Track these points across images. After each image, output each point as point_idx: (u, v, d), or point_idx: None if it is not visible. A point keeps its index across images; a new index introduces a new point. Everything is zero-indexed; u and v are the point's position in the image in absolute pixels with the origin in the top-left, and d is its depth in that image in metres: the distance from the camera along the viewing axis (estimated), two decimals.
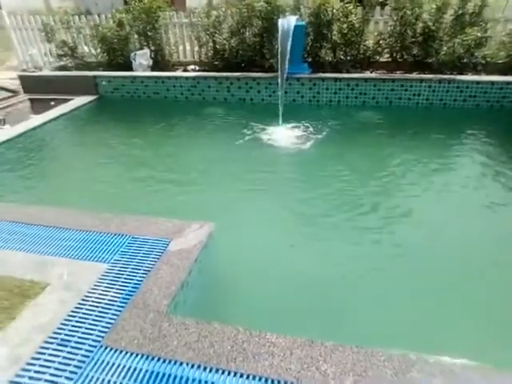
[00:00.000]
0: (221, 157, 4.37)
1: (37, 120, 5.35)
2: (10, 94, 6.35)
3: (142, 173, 4.04)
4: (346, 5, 5.86)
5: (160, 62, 6.93)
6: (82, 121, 5.61)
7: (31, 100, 6.49)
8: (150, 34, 6.80)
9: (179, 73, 6.37)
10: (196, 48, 7.08)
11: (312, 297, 2.55)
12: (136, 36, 7.04)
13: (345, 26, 5.96)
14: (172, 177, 3.96)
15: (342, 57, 6.26)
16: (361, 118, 5.33)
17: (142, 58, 6.50)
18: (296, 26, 4.90)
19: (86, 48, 7.57)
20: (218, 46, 6.56)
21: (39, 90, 6.54)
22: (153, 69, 6.72)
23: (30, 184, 3.93)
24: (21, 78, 6.76)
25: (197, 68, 6.91)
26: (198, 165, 4.22)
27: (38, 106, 6.45)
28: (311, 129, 4.89)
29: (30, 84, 6.63)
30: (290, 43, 4.81)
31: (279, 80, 5.14)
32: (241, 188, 3.74)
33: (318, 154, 4.30)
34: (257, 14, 6.05)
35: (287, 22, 4.80)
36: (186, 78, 5.97)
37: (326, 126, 4.93)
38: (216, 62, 6.52)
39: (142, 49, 6.89)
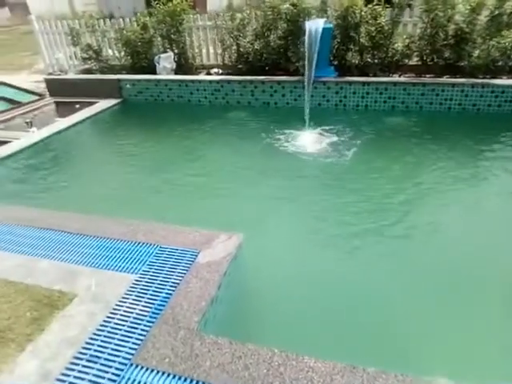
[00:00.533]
0: (245, 163, 4.30)
1: (62, 123, 5.41)
2: (36, 97, 6.46)
3: (166, 178, 4.01)
4: (375, 7, 5.71)
5: (183, 65, 6.92)
6: (107, 124, 5.64)
7: (57, 103, 6.59)
8: (173, 36, 6.81)
9: (203, 76, 6.35)
10: (219, 51, 7.05)
11: (346, 312, 2.44)
12: (160, 39, 7.06)
13: (373, 28, 5.81)
14: (195, 183, 3.91)
15: (369, 60, 6.11)
16: (390, 124, 5.17)
17: (165, 61, 6.51)
18: (324, 29, 4.80)
19: (110, 51, 7.65)
20: (241, 49, 6.50)
21: (64, 93, 6.63)
22: (176, 72, 6.72)
23: (54, 188, 3.95)
24: (47, 81, 6.87)
25: (220, 71, 6.87)
26: (222, 171, 4.17)
27: (63, 109, 6.54)
28: (338, 134, 4.76)
29: (56, 87, 6.74)
30: (317, 46, 4.71)
31: (306, 84, 5.04)
32: (267, 196, 3.66)
33: (345, 161, 4.17)
34: (282, 16, 5.97)
35: (315, 25, 4.70)
36: (210, 81, 5.93)
37: (354, 132, 4.80)
38: (240, 66, 6.46)
39: (165, 52, 6.91)
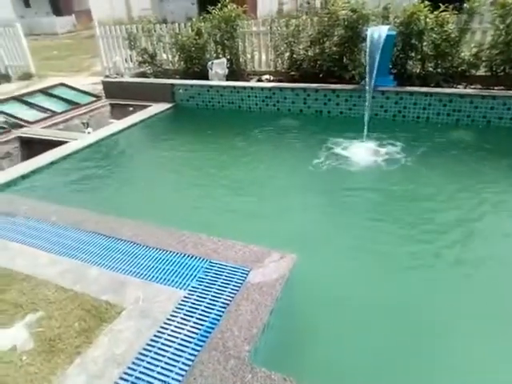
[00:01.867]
0: (296, 174, 4.13)
1: (116, 126, 5.54)
2: (94, 99, 6.70)
3: (214, 188, 3.93)
4: (442, 13, 5.34)
5: (235, 71, 6.90)
6: (158, 128, 5.70)
7: (112, 105, 6.80)
8: (227, 42, 6.81)
9: (255, 83, 6.27)
10: (272, 57, 6.96)
11: (411, 343, 2.19)
12: (213, 45, 7.10)
13: (438, 36, 5.44)
14: (244, 193, 3.79)
15: (432, 69, 5.73)
16: (453, 138, 4.77)
17: (218, 67, 6.51)
18: (387, 36, 4.53)
19: (164, 55, 7.81)
20: (295, 56, 6.37)
21: (119, 95, 6.83)
22: (228, 78, 6.70)
23: (107, 190, 4.00)
24: (104, 83, 7.12)
25: (271, 78, 6.77)
26: (271, 182, 4.01)
27: (117, 111, 6.74)
28: (396, 147, 4.46)
29: (112, 90, 6.96)
30: (379, 54, 4.45)
31: (367, 93, 4.78)
32: (318, 212, 3.46)
33: (404, 177, 3.88)
34: (340, 22, 5.76)
35: (378, 32, 4.45)
36: (262, 88, 5.83)
37: (413, 145, 4.47)
38: (292, 72, 6.32)
39: (218, 57, 6.92)
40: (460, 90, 5.26)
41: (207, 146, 4.89)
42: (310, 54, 6.24)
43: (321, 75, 6.10)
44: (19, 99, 6.24)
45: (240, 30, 6.75)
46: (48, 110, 6.09)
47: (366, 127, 4.65)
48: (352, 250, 2.95)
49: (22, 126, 5.54)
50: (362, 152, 4.44)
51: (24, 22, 24.57)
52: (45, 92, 6.61)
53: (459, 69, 5.65)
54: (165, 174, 4.31)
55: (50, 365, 1.82)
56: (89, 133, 5.79)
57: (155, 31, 7.73)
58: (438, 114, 5.15)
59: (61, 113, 6.03)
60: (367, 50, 4.56)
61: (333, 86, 5.54)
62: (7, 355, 1.87)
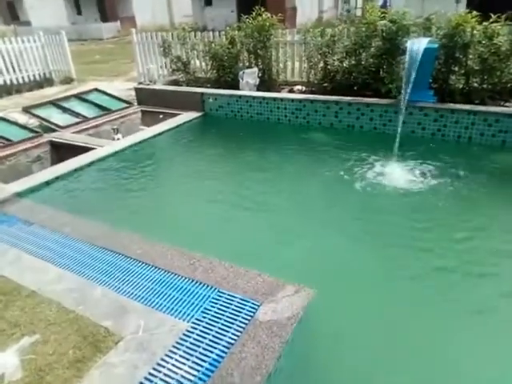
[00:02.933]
0: (321, 193, 3.89)
1: (145, 133, 5.53)
2: (125, 105, 6.78)
3: (235, 203, 3.76)
4: (492, 24, 4.93)
5: (266, 81, 6.76)
6: (185, 138, 5.63)
7: (143, 112, 6.85)
8: (260, 52, 6.68)
9: (285, 94, 6.09)
10: (304, 68, 6.76)
11: None
12: (246, 54, 7.00)
13: (486, 49, 5.02)
14: (266, 211, 3.59)
15: (477, 85, 5.31)
16: (499, 162, 4.35)
17: (249, 77, 6.40)
18: (427, 49, 4.22)
19: (197, 63, 7.81)
20: (329, 67, 6.13)
21: (151, 102, 6.87)
22: (259, 88, 6.57)
23: (129, 199, 3.94)
24: (136, 90, 7.20)
25: (303, 89, 6.57)
26: (295, 199, 3.80)
27: (148, 118, 6.77)
28: (434, 169, 4.11)
29: (144, 96, 7.01)
30: (417, 67, 4.14)
31: (402, 108, 4.46)
32: (345, 236, 3.21)
33: (439, 203, 3.54)
34: (378, 33, 5.47)
35: (418, 44, 4.15)
36: (292, 99, 5.64)
37: (453, 168, 4.10)
38: (325, 84, 6.08)
39: (250, 67, 6.81)
40: (509, 109, 4.82)
41: (233, 159, 4.75)
42: (344, 65, 5.98)
43: (355, 88, 5.83)
44: (55, 103, 6.40)
45: (273, 39, 6.60)
46: (80, 114, 6.20)
47: (397, 145, 4.33)
48: (379, 285, 2.68)
49: (53, 130, 5.66)
50: (395, 172, 4.13)
51: (75, 29, 26.00)
52: (79, 97, 6.75)
53: (508, 85, 5.19)
54: (188, 187, 4.19)
55: None
56: (118, 139, 5.82)
57: (189, 39, 7.75)
58: (481, 135, 4.74)
59: (92, 118, 6.12)
60: (406, 62, 4.26)
61: (367, 100, 5.25)
62: None
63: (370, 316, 2.42)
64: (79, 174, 4.31)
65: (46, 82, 10.17)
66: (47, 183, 4.02)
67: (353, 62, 5.89)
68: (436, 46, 4.71)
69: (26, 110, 6.10)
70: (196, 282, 2.38)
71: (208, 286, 2.34)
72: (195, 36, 7.75)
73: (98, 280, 2.45)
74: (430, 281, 2.67)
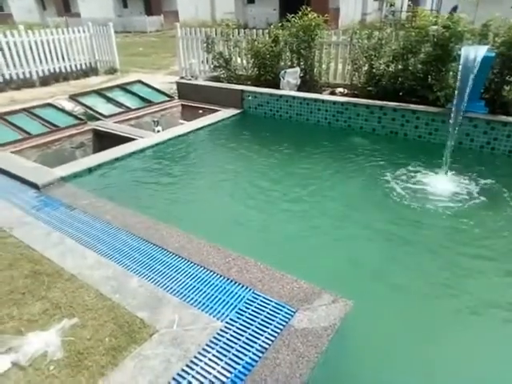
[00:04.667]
0: (360, 202, 3.76)
1: (183, 128, 5.60)
2: (167, 98, 6.89)
3: (269, 205, 3.72)
4: None
5: (308, 81, 6.67)
6: (223, 134, 5.65)
7: (183, 106, 6.94)
8: (303, 52, 6.60)
9: (327, 96, 5.97)
10: (348, 70, 6.62)
11: None
12: (288, 53, 6.94)
13: None
14: (301, 217, 3.53)
15: None
16: None
17: (291, 77, 6.33)
18: (485, 58, 3.99)
19: (239, 61, 7.82)
20: (374, 71, 5.96)
21: (192, 97, 6.95)
22: (299, 88, 6.49)
23: (163, 193, 3.98)
24: (178, 84, 7.30)
25: (345, 91, 6.43)
26: (330, 206, 3.69)
27: (187, 112, 6.86)
28: (482, 184, 3.89)
29: (185, 91, 7.10)
30: (472, 76, 3.94)
31: (452, 118, 4.25)
32: (386, 250, 3.08)
33: (488, 224, 3.33)
34: (429, 38, 5.26)
35: (475, 52, 3.94)
36: (334, 102, 5.53)
37: (503, 185, 3.87)
38: (369, 88, 5.92)
39: (292, 66, 6.74)
40: None
41: (270, 159, 4.70)
42: (390, 69, 5.80)
43: (400, 93, 5.64)
44: (99, 93, 6.60)
45: (318, 39, 6.50)
46: (123, 105, 6.36)
47: (446, 157, 4.13)
48: (424, 302, 2.56)
49: (97, 119, 5.83)
50: (440, 184, 3.94)
51: (120, 21, 26.81)
52: (123, 88, 6.93)
53: None
54: (225, 184, 4.18)
55: (74, 382, 1.74)
56: (158, 131, 5.92)
57: (233, 36, 7.77)
58: None
59: (134, 109, 6.26)
60: (459, 71, 4.05)
61: (413, 107, 5.06)
62: (38, 361, 1.83)
63: (409, 331, 2.32)
64: (120, 163, 4.41)
65: (91, 71, 10.53)
66: (90, 170, 4.14)
67: (400, 67, 5.70)
68: (493, 54, 4.46)
69: (73, 97, 6.33)
70: (231, 281, 2.36)
71: (243, 286, 2.32)
72: (238, 33, 7.77)
73: (135, 270, 2.48)
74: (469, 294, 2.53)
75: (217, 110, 6.41)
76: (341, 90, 6.52)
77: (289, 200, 3.79)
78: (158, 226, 2.98)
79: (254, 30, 7.53)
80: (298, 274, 2.39)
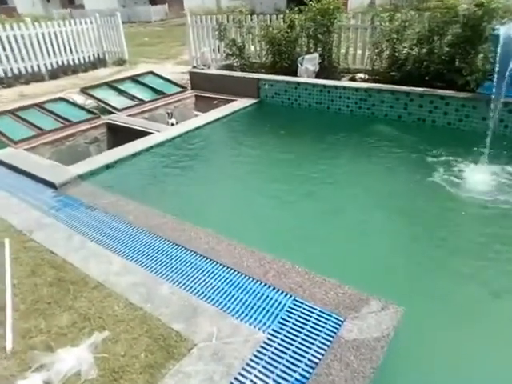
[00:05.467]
0: (388, 197, 3.53)
1: (199, 120, 5.41)
2: (180, 89, 6.69)
3: (295, 203, 3.53)
4: None
5: (326, 67, 6.40)
6: (240, 125, 5.46)
7: (196, 97, 6.74)
8: (321, 36, 6.32)
9: (349, 82, 5.72)
10: (368, 54, 6.33)
11: None
12: (305, 38, 6.66)
13: None
14: (328, 213, 3.33)
15: None
16: None
17: (309, 63, 6.08)
18: None
19: (252, 48, 7.56)
20: (397, 54, 5.68)
21: (205, 87, 6.74)
22: (317, 75, 6.24)
23: (184, 189, 3.83)
24: (191, 74, 7.09)
25: (366, 77, 6.16)
26: (356, 205, 3.44)
27: (201, 103, 6.66)
28: None
29: (198, 81, 6.89)
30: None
31: (492, 104, 3.98)
32: (424, 254, 2.87)
33: None
34: (459, 19, 4.95)
35: None
36: (356, 89, 5.28)
37: None
38: (393, 73, 5.65)
39: (309, 52, 6.48)
40: None
41: (291, 150, 4.50)
42: (414, 53, 5.52)
43: (426, 78, 5.36)
44: (111, 85, 6.42)
45: (337, 23, 6.21)
46: (135, 97, 6.18)
47: (487, 145, 3.87)
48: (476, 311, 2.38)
49: (110, 112, 5.67)
50: (478, 177, 3.69)
51: (124, 11, 26.43)
52: (135, 79, 6.74)
53: None
54: (248, 179, 3.99)
55: None
56: (172, 124, 5.75)
57: (245, 22, 7.50)
58: None
59: (147, 101, 6.08)
60: (498, 53, 3.79)
61: (442, 92, 4.79)
62: (71, 381, 1.70)
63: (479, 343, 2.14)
64: (138, 158, 4.25)
65: (99, 62, 10.35)
66: (107, 166, 3.99)
67: (425, 50, 5.41)
68: None
69: (84, 90, 6.16)
70: (269, 287, 2.20)
71: (282, 292, 2.16)
72: (251, 19, 7.49)
73: (164, 275, 2.33)
74: None
75: (232, 100, 6.20)
76: (361, 75, 6.25)
77: (316, 197, 3.59)
78: (183, 227, 2.82)
79: (268, 16, 7.25)
80: (339, 276, 2.23)
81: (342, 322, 1.94)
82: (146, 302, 2.12)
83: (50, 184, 3.52)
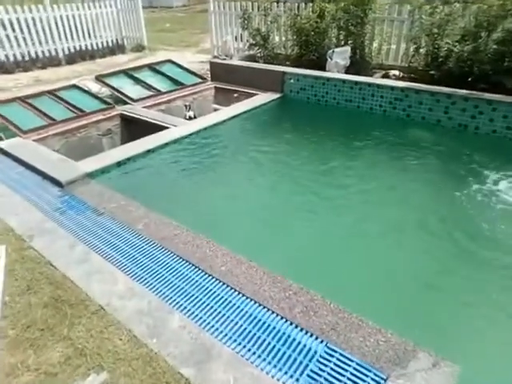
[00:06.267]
0: (429, 213, 3.15)
1: (220, 114, 5.08)
2: (199, 80, 6.37)
3: (321, 218, 3.20)
4: None
5: (357, 62, 5.98)
6: (264, 123, 5.10)
7: (216, 89, 6.40)
8: (353, 28, 5.88)
9: (384, 80, 5.27)
10: (405, 50, 5.87)
11: None
12: (335, 30, 6.23)
13: None
14: (353, 233, 3.00)
15: None
16: None
17: (339, 57, 5.66)
18: None
19: (277, 38, 7.16)
20: (437, 51, 5.21)
21: (225, 78, 6.39)
22: (347, 70, 5.82)
23: (200, 195, 3.53)
24: (211, 64, 6.74)
25: (401, 75, 5.72)
26: (395, 218, 3.10)
27: (221, 96, 6.33)
28: None
29: (218, 72, 6.55)
30: None
31: None
32: (477, 283, 2.51)
33: None
34: None
35: None
36: (392, 87, 4.85)
37: None
38: (431, 71, 5.19)
39: (339, 45, 6.05)
40: None
41: (317, 154, 4.15)
42: (456, 50, 5.04)
43: (469, 79, 4.89)
44: (127, 73, 6.14)
45: (372, 15, 5.75)
46: (152, 87, 5.88)
47: None
48: None
49: (125, 103, 5.39)
50: None
51: None
52: (152, 68, 6.44)
53: None
54: (271, 187, 3.64)
55: None
56: (190, 117, 5.46)
57: (271, 10, 7.09)
58: None
59: (165, 92, 5.78)
60: None
61: (489, 96, 4.33)
62: None
63: None
64: (152, 156, 3.96)
65: (118, 48, 10.08)
66: (119, 164, 3.71)
67: (469, 48, 4.93)
68: None
69: (99, 78, 5.89)
70: (296, 327, 1.88)
71: (312, 334, 1.84)
72: (278, 6, 7.07)
73: (175, 302, 2.04)
74: None
75: (254, 94, 5.84)
76: (395, 72, 5.82)
77: (344, 206, 3.25)
78: (198, 241, 2.51)
79: (296, 4, 6.82)
80: (377, 317, 1.89)
81: (385, 380, 1.61)
82: (152, 337, 1.83)
83: (56, 182, 3.26)
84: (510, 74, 4.50)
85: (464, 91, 4.48)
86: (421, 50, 5.50)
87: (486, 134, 4.40)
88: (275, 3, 7.25)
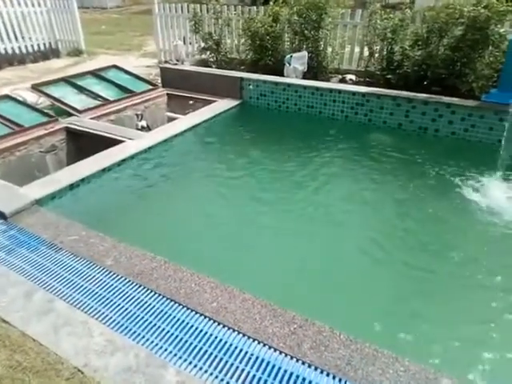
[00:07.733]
0: (398, 221, 3.19)
1: (179, 124, 4.78)
2: (150, 87, 6.01)
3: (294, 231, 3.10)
4: None
5: (314, 67, 6.00)
6: (225, 133, 4.88)
7: (169, 95, 6.09)
8: (308, 33, 5.88)
9: (345, 85, 5.29)
10: (361, 55, 6.00)
11: None
12: (291, 34, 6.21)
13: None
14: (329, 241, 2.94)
15: None
16: None
17: (298, 62, 5.64)
18: None
19: (230, 42, 7.00)
20: (393, 56, 5.38)
21: (178, 85, 6.10)
22: (305, 75, 5.82)
23: (168, 216, 3.26)
24: (162, 70, 6.41)
25: (357, 79, 5.83)
26: (367, 226, 3.10)
27: (175, 103, 6.03)
28: None
29: (170, 78, 6.24)
30: None
31: (510, 113, 3.76)
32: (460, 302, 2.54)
33: None
34: (465, 20, 4.71)
35: None
36: (354, 93, 4.90)
37: None
38: (388, 75, 5.34)
39: (295, 50, 6.04)
40: None
41: (274, 161, 4.06)
42: (411, 54, 5.24)
43: (425, 83, 5.10)
44: (69, 81, 5.62)
45: (329, 20, 5.80)
46: (99, 96, 5.44)
47: (501, 157, 3.65)
48: None
49: (69, 114, 4.92)
50: (494, 194, 3.45)
51: None
52: (96, 74, 5.97)
53: None
54: (243, 205, 3.47)
55: None
56: (142, 127, 5.14)
57: (221, 13, 6.92)
58: None
59: (113, 101, 5.36)
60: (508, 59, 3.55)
61: (447, 99, 4.51)
62: None
63: None
64: (108, 175, 3.60)
65: (51, 52, 9.31)
66: (71, 187, 3.31)
67: (424, 53, 5.13)
68: None
69: (35, 87, 5.33)
70: (309, 366, 1.73)
71: (328, 374, 1.69)
72: (228, 9, 6.92)
73: (167, 352, 1.79)
74: None
75: (211, 101, 5.63)
76: (351, 77, 5.93)
77: (316, 217, 3.18)
78: (181, 274, 2.27)
79: (248, 8, 6.72)
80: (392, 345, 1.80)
81: None
82: None
83: None
84: (463, 78, 4.75)
85: (424, 95, 4.65)
86: (376, 55, 5.65)
87: (445, 137, 4.59)
88: (225, 6, 7.09)
